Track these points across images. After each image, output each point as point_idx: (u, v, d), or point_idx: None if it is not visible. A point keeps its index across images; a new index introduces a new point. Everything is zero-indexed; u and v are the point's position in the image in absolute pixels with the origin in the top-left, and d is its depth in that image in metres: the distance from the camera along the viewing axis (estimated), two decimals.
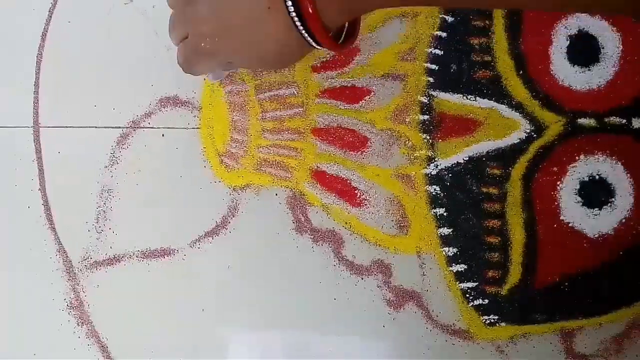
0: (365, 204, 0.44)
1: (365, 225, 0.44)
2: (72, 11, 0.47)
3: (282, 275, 0.44)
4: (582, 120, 0.44)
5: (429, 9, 0.46)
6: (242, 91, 0.46)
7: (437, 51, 0.45)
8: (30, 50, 0.47)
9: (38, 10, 0.47)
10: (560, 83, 0.44)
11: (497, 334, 0.43)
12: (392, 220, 0.44)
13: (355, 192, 0.44)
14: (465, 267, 0.43)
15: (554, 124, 0.44)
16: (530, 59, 0.45)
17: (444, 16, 0.45)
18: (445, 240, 0.44)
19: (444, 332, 0.43)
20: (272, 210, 0.44)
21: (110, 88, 0.46)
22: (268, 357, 0.43)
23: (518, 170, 0.44)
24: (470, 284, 0.43)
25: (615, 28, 0.45)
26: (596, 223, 0.43)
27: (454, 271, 0.43)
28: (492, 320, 0.43)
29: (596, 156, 0.44)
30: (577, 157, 0.44)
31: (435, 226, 0.44)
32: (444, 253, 0.44)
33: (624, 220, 0.43)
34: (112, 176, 0.45)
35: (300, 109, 0.45)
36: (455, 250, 0.44)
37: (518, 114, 0.44)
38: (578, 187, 0.44)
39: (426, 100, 0.45)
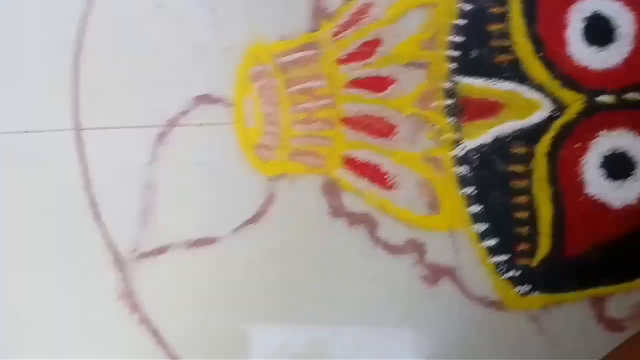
0: (397, 187, 0.46)
1: (397, 208, 0.46)
2: (106, 15, 0.49)
3: (322, 257, 0.46)
4: (601, 98, 0.46)
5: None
6: (272, 86, 0.48)
7: (458, 38, 0.47)
8: (66, 54, 0.48)
9: (74, 14, 0.48)
10: (577, 63, 0.46)
11: (530, 303, 0.45)
12: (424, 202, 0.46)
13: (386, 176, 0.46)
14: (497, 241, 0.45)
15: (575, 103, 0.46)
16: (548, 42, 0.46)
17: (462, 4, 0.47)
18: (476, 217, 0.45)
19: (479, 305, 0.45)
20: (308, 197, 0.46)
21: (146, 89, 0.48)
22: (313, 333, 0.45)
23: (542, 148, 0.45)
24: (502, 257, 0.45)
25: (629, 8, 0.46)
26: (620, 194, 0.45)
27: (486, 246, 0.45)
28: (525, 291, 0.45)
29: (617, 131, 0.45)
30: (598, 133, 0.45)
31: (466, 205, 0.46)
32: (475, 229, 0.45)
33: None
34: (153, 172, 0.47)
35: (329, 100, 0.47)
36: (485, 226, 0.45)
37: (539, 94, 0.46)
38: (601, 160, 0.45)
39: (449, 86, 0.47)
